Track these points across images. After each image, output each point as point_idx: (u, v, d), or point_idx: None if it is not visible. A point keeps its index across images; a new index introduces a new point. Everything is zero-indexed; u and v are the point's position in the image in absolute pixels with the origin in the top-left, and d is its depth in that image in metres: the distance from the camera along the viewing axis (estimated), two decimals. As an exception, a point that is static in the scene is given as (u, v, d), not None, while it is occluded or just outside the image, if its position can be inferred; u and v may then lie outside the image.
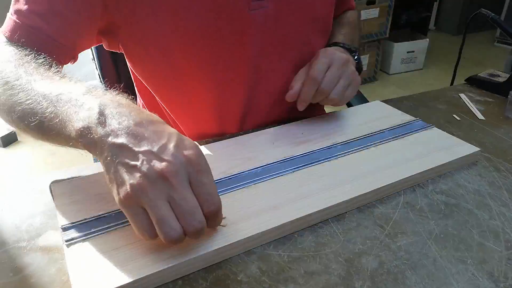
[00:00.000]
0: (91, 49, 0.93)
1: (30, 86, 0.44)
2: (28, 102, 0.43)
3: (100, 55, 0.92)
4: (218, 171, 0.50)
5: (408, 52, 3.03)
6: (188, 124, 0.70)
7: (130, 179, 0.35)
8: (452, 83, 0.95)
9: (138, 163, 0.35)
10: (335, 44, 0.70)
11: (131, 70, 0.69)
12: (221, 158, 0.54)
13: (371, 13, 2.55)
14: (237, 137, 0.60)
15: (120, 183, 0.35)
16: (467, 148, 0.57)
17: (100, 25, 0.58)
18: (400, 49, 2.99)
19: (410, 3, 3.10)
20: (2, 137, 2.10)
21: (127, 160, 0.36)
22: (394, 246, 0.42)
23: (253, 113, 0.68)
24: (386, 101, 0.73)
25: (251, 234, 0.41)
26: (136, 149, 0.36)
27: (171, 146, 0.36)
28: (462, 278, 0.39)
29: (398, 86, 2.88)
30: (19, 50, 0.50)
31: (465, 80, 0.86)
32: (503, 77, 0.83)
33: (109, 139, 0.37)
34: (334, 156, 0.55)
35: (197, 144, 0.40)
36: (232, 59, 0.62)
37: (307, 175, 0.51)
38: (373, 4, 2.54)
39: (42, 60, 0.49)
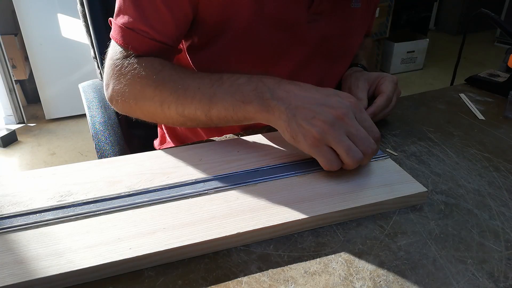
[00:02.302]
0: (92, 48, 0.92)
1: (187, 78, 0.54)
2: (194, 86, 0.53)
3: (102, 54, 0.92)
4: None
5: (408, 52, 3.04)
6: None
7: (314, 127, 0.45)
8: (452, 83, 0.95)
9: (316, 115, 0.45)
10: (359, 65, 0.78)
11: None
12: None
13: (371, 13, 2.55)
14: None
15: (306, 133, 0.46)
16: (412, 187, 0.48)
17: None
18: (400, 49, 2.99)
19: (410, 3, 3.11)
20: (2, 137, 2.10)
21: (306, 116, 0.46)
22: (394, 246, 0.42)
23: None
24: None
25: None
26: (310, 106, 0.46)
27: (335, 97, 0.47)
28: (462, 278, 0.39)
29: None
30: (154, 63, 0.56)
31: (465, 80, 0.86)
32: (503, 77, 0.83)
33: (284, 105, 0.47)
34: (254, 181, 0.49)
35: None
36: (275, 67, 0.67)
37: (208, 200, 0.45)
38: (373, 4, 2.54)
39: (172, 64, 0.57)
